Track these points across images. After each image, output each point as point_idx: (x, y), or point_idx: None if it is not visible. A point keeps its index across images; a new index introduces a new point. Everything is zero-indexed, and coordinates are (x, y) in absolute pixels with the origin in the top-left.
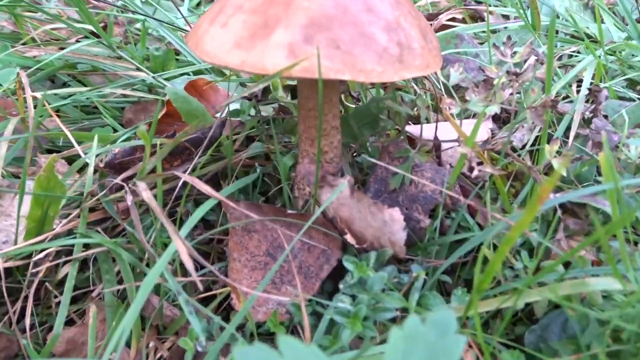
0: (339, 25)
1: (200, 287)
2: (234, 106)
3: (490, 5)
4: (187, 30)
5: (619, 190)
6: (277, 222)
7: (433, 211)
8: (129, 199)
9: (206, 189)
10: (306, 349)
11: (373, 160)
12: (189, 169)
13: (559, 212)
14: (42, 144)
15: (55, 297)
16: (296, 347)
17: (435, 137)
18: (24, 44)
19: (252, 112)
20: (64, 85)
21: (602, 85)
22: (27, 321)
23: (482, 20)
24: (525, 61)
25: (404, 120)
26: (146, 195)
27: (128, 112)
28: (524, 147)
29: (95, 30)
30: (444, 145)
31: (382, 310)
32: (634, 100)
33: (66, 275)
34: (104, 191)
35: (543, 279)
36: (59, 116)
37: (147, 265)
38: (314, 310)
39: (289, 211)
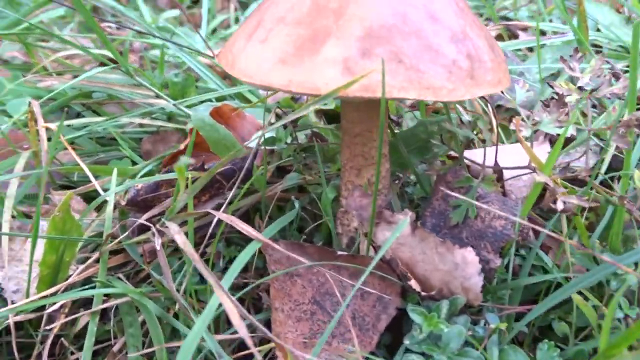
0: (400, 36)
1: (251, 345)
2: (268, 134)
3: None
4: (208, 55)
5: None
6: (325, 265)
7: (502, 249)
8: (158, 242)
9: (247, 229)
10: None
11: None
12: (224, 205)
13: None
14: (56, 180)
15: (72, 353)
16: None
17: (496, 164)
18: (35, 72)
19: (288, 139)
20: (78, 115)
21: None
22: None
23: (516, 38)
24: (598, 76)
25: (462, 145)
26: (180, 239)
27: (146, 142)
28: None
29: (112, 57)
30: (507, 174)
31: None
32: None
33: (84, 328)
34: (126, 233)
35: None
36: (73, 149)
37: (176, 316)
38: None
39: (340, 252)
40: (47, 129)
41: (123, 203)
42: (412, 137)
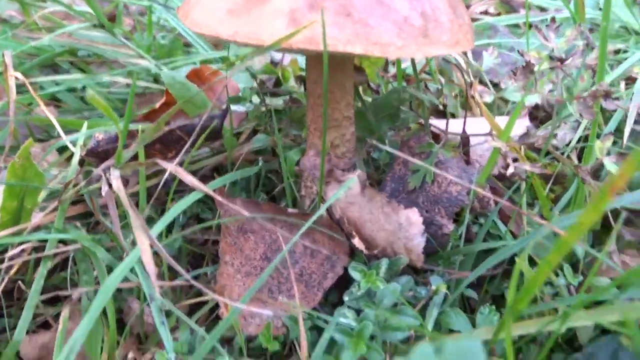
0: None
1: (154, 282)
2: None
3: None
4: None
5: None
6: (277, 223)
7: (458, 215)
8: (105, 189)
9: (190, 179)
10: None
11: (391, 150)
12: (176, 160)
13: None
14: (35, 134)
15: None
16: None
17: (464, 131)
18: (25, 28)
19: (257, 99)
20: (66, 72)
21: None
22: None
23: (513, 10)
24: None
25: (428, 111)
26: (116, 183)
27: (134, 103)
28: (567, 146)
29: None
30: (473, 142)
31: (393, 329)
32: None
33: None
34: (83, 182)
35: (592, 299)
36: (58, 105)
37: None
38: (314, 325)
39: (290, 210)
40: (25, 83)
41: (83, 153)
42: (384, 104)
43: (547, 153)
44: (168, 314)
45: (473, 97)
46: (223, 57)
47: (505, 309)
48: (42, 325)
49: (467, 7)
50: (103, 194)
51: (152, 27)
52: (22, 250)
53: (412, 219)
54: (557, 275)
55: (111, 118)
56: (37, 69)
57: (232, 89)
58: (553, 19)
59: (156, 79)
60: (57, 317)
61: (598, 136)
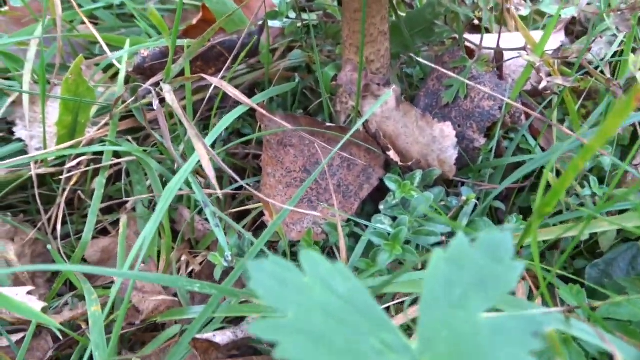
0: None
1: (220, 195)
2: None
3: None
4: None
5: None
6: (316, 136)
7: (490, 130)
8: (156, 104)
9: (235, 93)
10: (333, 267)
11: (425, 63)
12: (220, 74)
13: None
14: (78, 52)
15: (89, 206)
16: (321, 264)
17: (498, 46)
18: None
19: (293, 15)
20: None
21: None
22: (59, 229)
23: None
24: None
25: (462, 25)
26: (169, 97)
27: (167, 20)
28: (602, 60)
29: None
30: (507, 56)
31: (426, 234)
32: None
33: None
34: (133, 97)
35: (612, 208)
36: (95, 23)
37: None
38: (351, 232)
39: (328, 124)
40: None
41: (130, 70)
42: (418, 18)
43: (581, 68)
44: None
45: (509, 11)
46: None
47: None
48: (101, 232)
49: None
50: (155, 107)
51: None
52: (79, 163)
53: (446, 132)
54: (582, 186)
55: (164, 32)
56: None
57: (269, 4)
58: None
59: None
60: (113, 224)
61: (634, 51)
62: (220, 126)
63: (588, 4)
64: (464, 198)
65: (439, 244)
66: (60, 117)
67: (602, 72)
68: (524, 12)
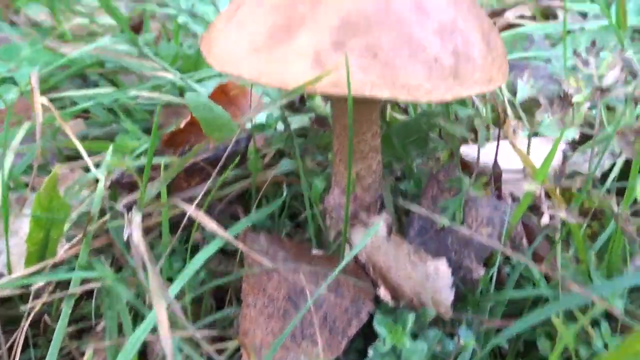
0: (379, 27)
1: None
2: (264, 116)
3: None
4: None
5: None
6: (303, 259)
7: (489, 258)
8: (127, 232)
9: (213, 226)
10: None
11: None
12: (202, 193)
13: None
14: (63, 152)
15: (53, 331)
16: None
17: (496, 164)
18: (60, 36)
19: (280, 126)
20: (95, 84)
21: None
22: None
23: (555, 18)
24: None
25: (458, 142)
26: (136, 235)
27: (161, 115)
28: (604, 176)
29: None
30: (506, 174)
31: None
32: None
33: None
34: (107, 216)
35: None
36: (87, 117)
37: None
38: None
39: (314, 251)
40: (53, 99)
41: (107, 184)
42: (413, 127)
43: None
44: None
45: (506, 132)
46: None
47: (535, 357)
48: (67, 355)
49: (502, 11)
50: (125, 237)
51: (179, 34)
52: (48, 284)
53: (441, 270)
54: (594, 330)
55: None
56: (67, 79)
57: (259, 104)
58: (594, 43)
59: (182, 92)
60: (81, 351)
61: None
62: (192, 267)
63: (588, 125)
64: (462, 343)
65: None
66: (31, 233)
67: (608, 190)
68: (522, 134)
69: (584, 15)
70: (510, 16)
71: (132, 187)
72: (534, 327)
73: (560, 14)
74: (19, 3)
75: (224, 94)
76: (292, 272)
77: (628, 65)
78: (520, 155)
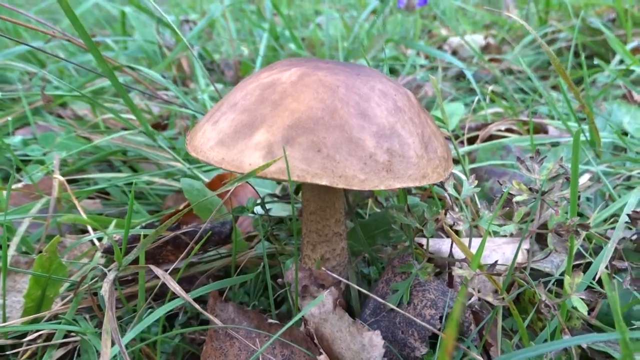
0: (325, 128)
1: None
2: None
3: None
4: None
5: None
6: (261, 332)
7: (435, 338)
8: (105, 296)
9: (175, 288)
10: None
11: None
12: (183, 264)
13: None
14: (77, 226)
15: None
16: None
17: (450, 255)
18: (94, 127)
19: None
20: (117, 170)
21: None
22: None
23: (546, 132)
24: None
25: (412, 233)
26: (106, 287)
27: (169, 200)
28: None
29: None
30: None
31: None
32: None
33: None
34: (96, 278)
35: None
36: (107, 198)
37: None
38: None
39: (270, 321)
40: (77, 180)
41: (101, 251)
42: (382, 220)
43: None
44: None
45: (450, 226)
46: None
47: None
48: None
49: (486, 125)
50: (102, 293)
51: None
52: (39, 335)
53: (374, 341)
54: None
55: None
56: (94, 164)
57: (254, 194)
58: (537, 151)
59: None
60: None
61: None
62: (145, 321)
63: (528, 221)
64: None
65: None
66: (29, 290)
67: (553, 284)
68: (463, 226)
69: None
70: (493, 129)
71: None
72: None
73: (549, 128)
74: (64, 99)
75: (221, 183)
76: (254, 337)
77: (566, 173)
78: (458, 244)
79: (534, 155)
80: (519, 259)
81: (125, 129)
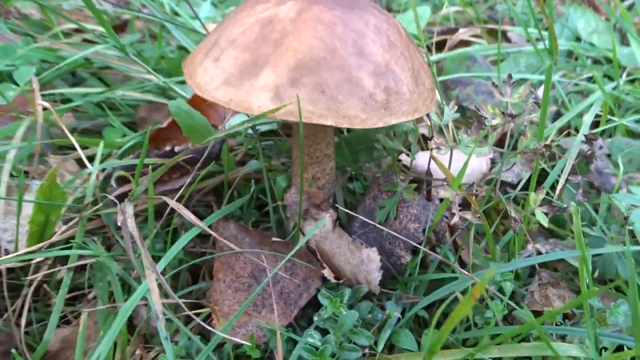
0: (327, 68)
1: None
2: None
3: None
4: (203, 34)
5: (585, 258)
6: (265, 245)
7: (418, 246)
8: (120, 219)
9: (190, 217)
10: None
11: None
12: (184, 186)
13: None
14: (56, 142)
15: (53, 298)
16: None
17: (428, 172)
18: (54, 35)
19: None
20: (83, 81)
21: (615, 119)
22: (23, 320)
23: (505, 38)
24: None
25: (396, 153)
26: (130, 223)
27: (142, 110)
28: (520, 183)
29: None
30: (437, 181)
31: (349, 350)
32: None
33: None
34: (101, 204)
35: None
36: (77, 111)
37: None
38: (289, 338)
39: (274, 239)
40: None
41: (101, 178)
42: (363, 137)
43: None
44: (170, 319)
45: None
46: None
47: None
48: (63, 317)
49: (455, 30)
50: (119, 223)
51: (162, 38)
52: (47, 259)
53: (372, 257)
54: (487, 307)
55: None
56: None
57: (228, 113)
58: (510, 76)
59: (163, 91)
60: (75, 314)
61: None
62: (174, 249)
63: (497, 148)
64: (387, 312)
65: (363, 355)
66: (34, 216)
67: (515, 197)
68: (444, 151)
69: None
70: (462, 35)
71: (122, 181)
72: (452, 302)
73: (510, 35)
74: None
75: (202, 99)
76: (256, 255)
77: (535, 98)
78: (441, 167)
79: (507, 79)
80: (483, 168)
81: (78, 31)
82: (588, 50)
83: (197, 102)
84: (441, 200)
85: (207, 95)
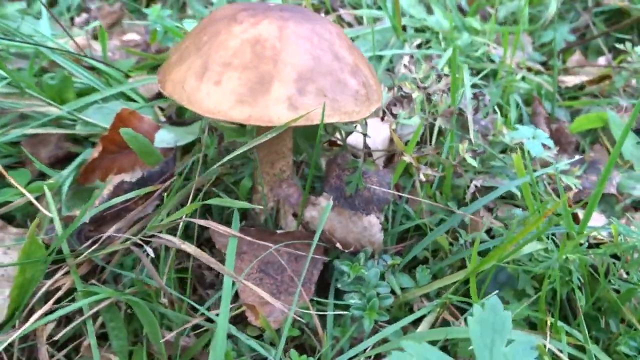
0: (320, 75)
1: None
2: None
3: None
4: (80, 55)
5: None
6: (267, 242)
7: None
8: (143, 256)
9: (204, 256)
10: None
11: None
12: (143, 208)
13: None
14: None
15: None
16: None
17: (366, 146)
18: None
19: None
20: None
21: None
22: None
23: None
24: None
25: (345, 135)
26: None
27: (25, 145)
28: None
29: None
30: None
31: (383, 298)
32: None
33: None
34: (94, 247)
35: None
36: None
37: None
38: (317, 311)
39: (278, 231)
40: None
41: (87, 222)
42: (311, 129)
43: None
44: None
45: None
46: (119, 92)
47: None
48: None
49: None
50: (142, 259)
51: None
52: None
53: (373, 221)
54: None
55: None
56: None
57: (149, 124)
58: (412, 56)
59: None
60: None
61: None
62: None
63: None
64: (389, 263)
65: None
66: (16, 279)
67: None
68: (394, 126)
69: (360, 21)
70: None
71: (105, 222)
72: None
73: (349, 19)
74: None
75: (122, 122)
76: (256, 248)
77: (437, 71)
78: (397, 142)
79: (409, 59)
80: (388, 132)
81: None
82: (414, 22)
83: (120, 124)
84: (384, 168)
85: (221, 115)
